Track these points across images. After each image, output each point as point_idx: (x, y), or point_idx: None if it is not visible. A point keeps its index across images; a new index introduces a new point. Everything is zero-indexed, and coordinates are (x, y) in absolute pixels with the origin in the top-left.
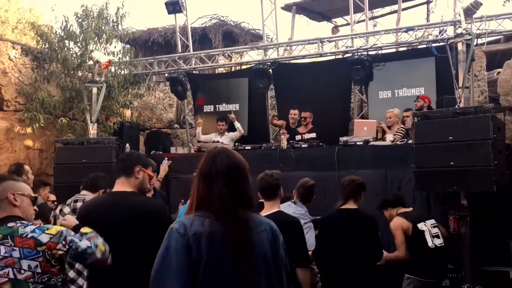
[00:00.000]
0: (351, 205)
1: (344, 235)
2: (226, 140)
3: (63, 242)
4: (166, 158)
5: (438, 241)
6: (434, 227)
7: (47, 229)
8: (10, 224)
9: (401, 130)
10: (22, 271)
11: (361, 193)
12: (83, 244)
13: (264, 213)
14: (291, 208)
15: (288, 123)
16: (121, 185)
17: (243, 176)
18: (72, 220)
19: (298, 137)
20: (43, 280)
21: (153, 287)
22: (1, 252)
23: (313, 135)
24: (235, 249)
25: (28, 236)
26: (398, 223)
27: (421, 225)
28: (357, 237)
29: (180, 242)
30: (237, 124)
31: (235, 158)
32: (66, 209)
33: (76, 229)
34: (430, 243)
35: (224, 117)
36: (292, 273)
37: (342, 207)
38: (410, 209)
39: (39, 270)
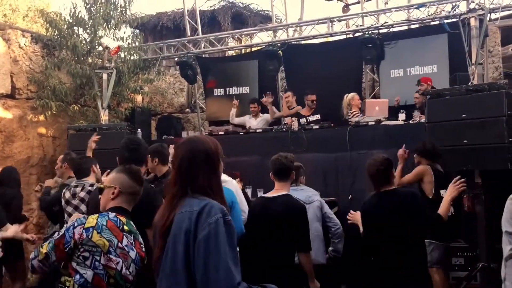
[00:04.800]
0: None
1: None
2: (261, 123)
3: None
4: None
5: (452, 209)
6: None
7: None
8: (132, 226)
9: None
10: (128, 272)
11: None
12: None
13: (272, 193)
14: (298, 192)
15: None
16: None
17: (196, 162)
18: None
19: (302, 120)
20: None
21: None
22: (123, 242)
23: (317, 116)
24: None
25: (143, 249)
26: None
27: (442, 192)
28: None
29: None
30: (274, 109)
31: (196, 145)
32: (67, 194)
33: None
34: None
35: (255, 99)
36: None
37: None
38: None
39: (134, 278)
